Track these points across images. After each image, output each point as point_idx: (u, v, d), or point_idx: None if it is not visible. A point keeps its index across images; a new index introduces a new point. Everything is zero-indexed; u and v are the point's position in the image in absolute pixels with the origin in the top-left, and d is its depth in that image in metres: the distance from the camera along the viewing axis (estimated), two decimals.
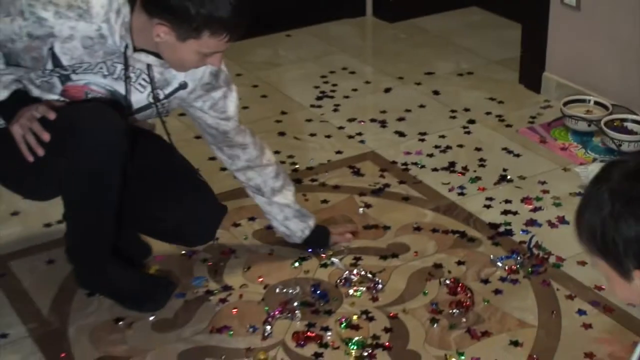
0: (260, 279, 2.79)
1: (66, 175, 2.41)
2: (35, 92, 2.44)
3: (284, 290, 2.73)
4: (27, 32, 2.28)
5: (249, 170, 2.72)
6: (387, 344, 2.51)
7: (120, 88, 2.45)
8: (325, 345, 2.50)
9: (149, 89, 2.48)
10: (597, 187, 1.61)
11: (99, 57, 2.36)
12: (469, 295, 2.68)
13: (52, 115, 2.34)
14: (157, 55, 2.36)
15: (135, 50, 2.35)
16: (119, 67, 2.40)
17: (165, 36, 2.24)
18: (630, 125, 3.49)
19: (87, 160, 2.35)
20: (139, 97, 2.49)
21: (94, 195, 2.47)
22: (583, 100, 3.68)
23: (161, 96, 2.51)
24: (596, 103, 3.65)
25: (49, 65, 2.35)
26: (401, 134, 3.67)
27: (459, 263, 2.86)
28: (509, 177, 3.34)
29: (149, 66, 2.43)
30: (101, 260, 2.63)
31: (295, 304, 2.66)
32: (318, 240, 2.89)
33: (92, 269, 2.67)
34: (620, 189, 1.56)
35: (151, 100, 2.50)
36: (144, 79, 2.46)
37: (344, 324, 2.58)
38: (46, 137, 2.33)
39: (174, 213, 2.64)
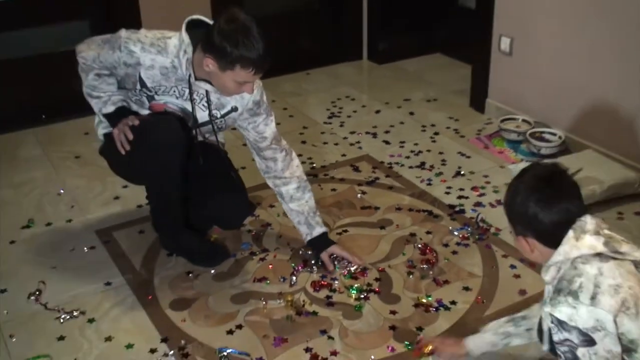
0: (289, 244, 2.76)
1: (142, 166, 2.40)
2: (134, 107, 2.45)
3: (306, 252, 2.69)
4: (123, 61, 2.32)
5: (276, 179, 2.60)
6: (377, 289, 2.49)
7: (189, 107, 2.42)
8: (334, 290, 2.48)
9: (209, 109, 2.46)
10: (516, 183, 1.74)
11: (172, 82, 2.36)
12: (434, 255, 2.65)
13: (136, 123, 2.36)
14: (212, 84, 2.34)
15: (197, 79, 2.33)
16: (187, 91, 2.38)
17: (212, 67, 2.22)
18: (547, 136, 3.44)
19: (154, 157, 2.35)
20: (202, 114, 2.46)
21: (161, 182, 2.46)
22: (514, 119, 3.62)
23: (218, 115, 2.47)
24: (523, 120, 3.60)
25: (138, 86, 2.36)
26: (387, 142, 3.62)
27: (428, 232, 2.82)
28: (462, 172, 3.29)
29: (207, 92, 2.40)
30: (176, 230, 2.61)
31: (313, 261, 2.63)
32: (315, 245, 2.63)
33: (169, 236, 2.65)
34: (529, 185, 1.69)
35: (210, 117, 2.48)
36: (205, 101, 2.43)
37: (347, 276, 2.56)
38: (130, 136, 2.35)
39: (214, 207, 2.60)
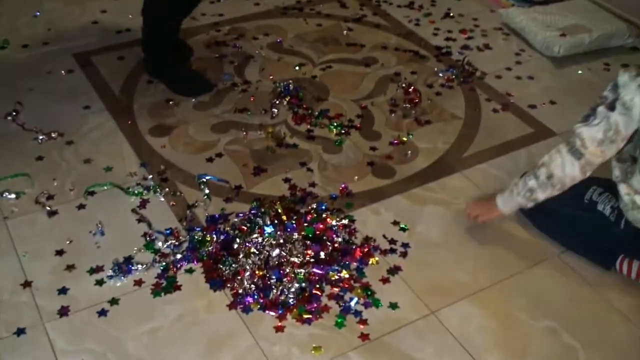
0: (271, 77, 2.69)
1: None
2: None
3: (288, 86, 2.60)
4: None
5: None
6: (358, 125, 2.47)
7: None
8: (315, 124, 2.45)
9: None
10: None
11: None
12: (418, 95, 2.61)
13: None
14: None
15: None
16: None
17: None
18: None
19: None
20: None
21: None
22: None
23: None
24: None
25: None
26: None
27: (413, 73, 2.76)
28: (451, 14, 3.19)
29: None
30: (165, 54, 2.53)
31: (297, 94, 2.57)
32: None
33: (159, 59, 2.57)
34: None
35: None
36: None
37: (329, 111, 2.52)
38: None
39: None
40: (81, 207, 2.08)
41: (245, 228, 1.96)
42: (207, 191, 2.13)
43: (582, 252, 1.99)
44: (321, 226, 1.98)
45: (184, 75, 2.61)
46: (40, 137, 2.33)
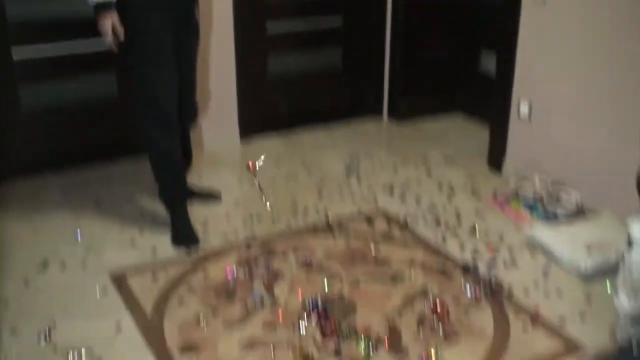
0: (300, 294, 2.75)
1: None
2: None
3: (317, 302, 2.68)
4: None
5: None
6: (386, 342, 2.48)
7: None
8: (343, 340, 2.47)
9: None
10: None
11: None
12: (445, 311, 2.63)
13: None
14: None
15: None
16: None
17: None
18: (564, 198, 3.44)
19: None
20: None
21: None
22: (531, 180, 3.62)
23: None
24: (540, 182, 3.58)
25: None
26: (403, 199, 3.63)
27: (440, 289, 2.81)
28: (477, 231, 3.28)
29: None
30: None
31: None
32: None
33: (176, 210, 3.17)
34: None
35: None
36: None
37: (356, 328, 2.54)
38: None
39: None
40: None
41: None
42: None
43: None
44: None
45: (180, 224, 3.11)
46: (71, 357, 2.38)
